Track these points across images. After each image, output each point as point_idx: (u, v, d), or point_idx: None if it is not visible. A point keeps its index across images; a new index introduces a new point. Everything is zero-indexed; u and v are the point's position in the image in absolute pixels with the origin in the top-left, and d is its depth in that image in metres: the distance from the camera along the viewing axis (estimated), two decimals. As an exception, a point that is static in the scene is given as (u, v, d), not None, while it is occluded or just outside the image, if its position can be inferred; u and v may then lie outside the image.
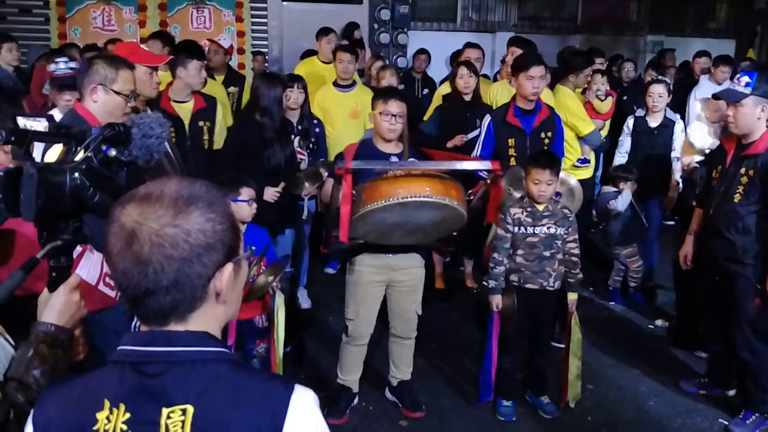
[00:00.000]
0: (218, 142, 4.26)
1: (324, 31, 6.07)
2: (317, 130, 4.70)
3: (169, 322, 1.02)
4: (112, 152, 1.32)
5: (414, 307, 3.47)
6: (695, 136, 4.38)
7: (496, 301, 3.45)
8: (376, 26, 8.56)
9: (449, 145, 4.63)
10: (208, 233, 1.00)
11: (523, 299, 3.42)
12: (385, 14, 8.52)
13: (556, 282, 3.44)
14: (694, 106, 5.72)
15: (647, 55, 9.58)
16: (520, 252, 3.44)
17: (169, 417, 0.98)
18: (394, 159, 3.25)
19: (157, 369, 1.00)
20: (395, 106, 3.22)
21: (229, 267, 1.04)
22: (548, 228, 3.43)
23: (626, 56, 7.89)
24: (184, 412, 0.98)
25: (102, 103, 2.60)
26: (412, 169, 2.99)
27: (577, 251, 3.46)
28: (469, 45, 5.80)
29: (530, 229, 3.44)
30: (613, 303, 5.00)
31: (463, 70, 4.85)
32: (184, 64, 3.99)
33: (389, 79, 5.59)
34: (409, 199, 2.79)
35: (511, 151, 4.06)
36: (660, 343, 4.45)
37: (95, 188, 1.29)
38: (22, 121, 1.31)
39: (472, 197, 3.26)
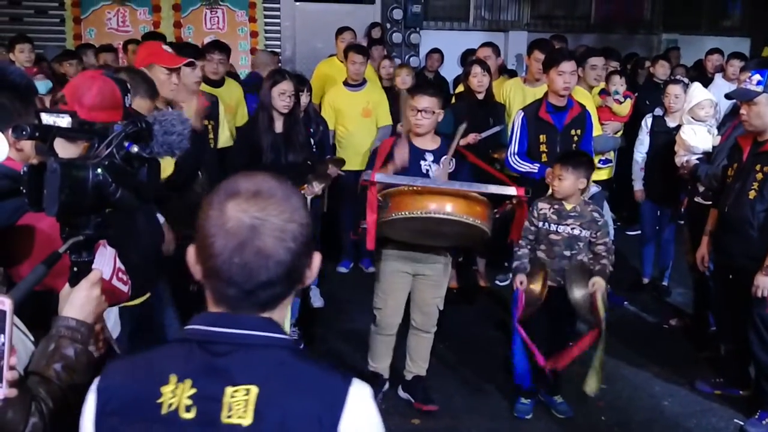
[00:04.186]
0: (222, 141, 4.30)
1: (339, 31, 6.10)
2: (321, 128, 4.72)
3: (266, 310, 1.08)
4: (134, 149, 1.33)
5: (436, 301, 3.48)
6: (690, 137, 4.34)
7: (520, 278, 3.42)
8: (388, 26, 8.55)
9: (462, 143, 4.60)
10: (309, 226, 1.08)
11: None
12: (398, 14, 8.52)
13: None
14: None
15: (661, 54, 9.51)
16: (542, 247, 3.43)
17: (232, 396, 1.01)
18: (429, 156, 3.31)
19: (224, 349, 1.04)
20: (422, 101, 3.23)
21: (318, 256, 1.13)
22: (572, 228, 3.39)
23: (640, 55, 7.85)
24: (247, 392, 1.01)
25: None
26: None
27: (603, 252, 3.37)
28: (483, 44, 5.77)
29: (553, 227, 3.41)
30: (627, 302, 4.98)
31: (476, 69, 4.82)
32: None
33: (404, 78, 5.59)
34: (432, 216, 2.93)
35: (542, 147, 4.05)
36: (674, 342, 4.42)
37: (117, 184, 1.30)
38: (45, 117, 1.32)
39: (498, 214, 3.28)
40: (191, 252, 1.09)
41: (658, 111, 4.96)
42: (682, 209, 4.70)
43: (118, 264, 2.03)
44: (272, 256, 1.03)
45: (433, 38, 8.54)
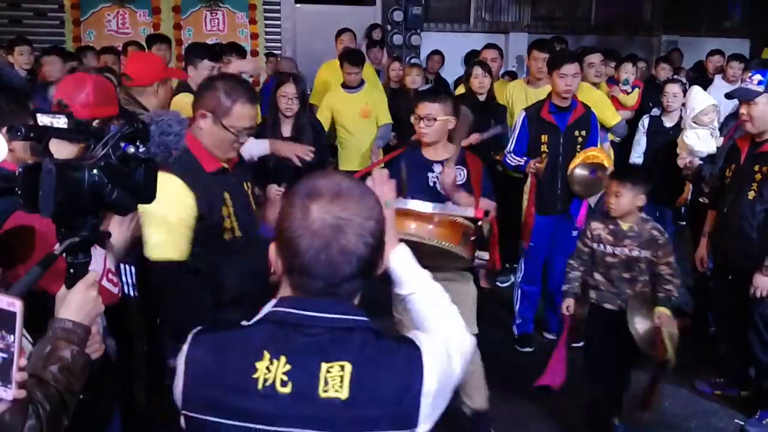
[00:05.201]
0: None
1: (339, 33, 6.10)
2: (318, 129, 4.71)
3: (346, 299, 1.17)
4: (131, 149, 1.33)
5: None
6: (694, 141, 4.33)
7: (567, 303, 3.27)
8: (389, 27, 8.56)
9: (464, 144, 4.57)
10: (383, 221, 1.18)
11: (603, 319, 3.18)
12: (398, 15, 8.52)
13: None
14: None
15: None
16: (600, 270, 3.19)
17: (328, 371, 1.10)
18: (437, 167, 3.06)
19: (316, 331, 1.12)
20: (423, 108, 3.03)
21: (387, 247, 1.24)
22: (630, 250, 3.12)
23: (640, 56, 7.83)
24: (342, 368, 1.10)
25: (208, 133, 2.25)
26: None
27: (668, 275, 3.09)
28: (488, 46, 5.78)
29: (609, 248, 3.15)
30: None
31: (477, 70, 4.81)
32: (194, 63, 3.95)
33: (414, 78, 5.59)
34: (405, 238, 2.53)
35: (544, 147, 4.05)
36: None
37: (113, 185, 1.30)
38: (41, 118, 1.32)
39: (473, 237, 2.93)
40: (272, 248, 1.17)
41: (655, 111, 4.97)
42: (682, 209, 4.70)
43: (108, 265, 2.03)
44: (354, 253, 1.12)
45: (434, 40, 8.55)
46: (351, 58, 5.21)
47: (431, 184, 3.10)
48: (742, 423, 3.45)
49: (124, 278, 2.54)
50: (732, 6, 10.58)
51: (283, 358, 1.10)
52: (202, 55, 3.96)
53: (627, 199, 3.09)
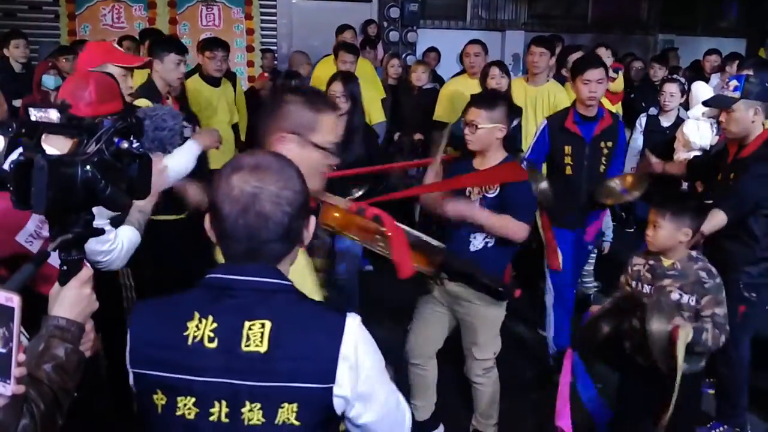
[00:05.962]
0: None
1: (339, 29, 6.07)
2: (369, 131, 4.66)
3: (271, 263, 1.27)
4: (124, 144, 1.32)
5: (472, 348, 3.02)
6: (692, 132, 4.33)
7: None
8: (385, 24, 8.54)
9: None
10: (303, 192, 1.28)
11: (638, 381, 2.70)
12: (395, 12, 8.49)
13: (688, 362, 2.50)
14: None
15: (658, 55, 9.52)
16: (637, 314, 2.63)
17: (249, 329, 1.21)
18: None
19: (241, 293, 1.23)
20: (468, 113, 2.86)
21: (313, 219, 1.33)
22: (669, 291, 2.63)
23: (637, 55, 7.84)
24: (263, 325, 1.21)
25: (295, 158, 1.65)
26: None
27: (710, 326, 2.57)
28: (471, 42, 5.46)
29: (647, 288, 2.69)
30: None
31: (494, 70, 4.54)
32: (160, 57, 3.69)
33: (419, 76, 5.54)
34: (369, 246, 2.47)
35: (567, 159, 3.74)
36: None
37: (107, 181, 1.28)
38: (34, 113, 1.30)
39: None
40: (207, 219, 1.29)
41: (652, 110, 4.96)
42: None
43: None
44: (271, 218, 1.22)
45: (430, 37, 8.53)
46: (347, 46, 5.20)
47: (469, 196, 2.94)
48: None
49: None
50: (728, 5, 10.59)
51: (210, 317, 1.22)
52: (169, 49, 3.75)
53: (666, 232, 2.64)
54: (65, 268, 1.34)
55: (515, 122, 4.37)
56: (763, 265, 3.18)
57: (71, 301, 1.34)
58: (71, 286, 1.34)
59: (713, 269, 2.66)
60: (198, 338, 1.21)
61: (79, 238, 1.34)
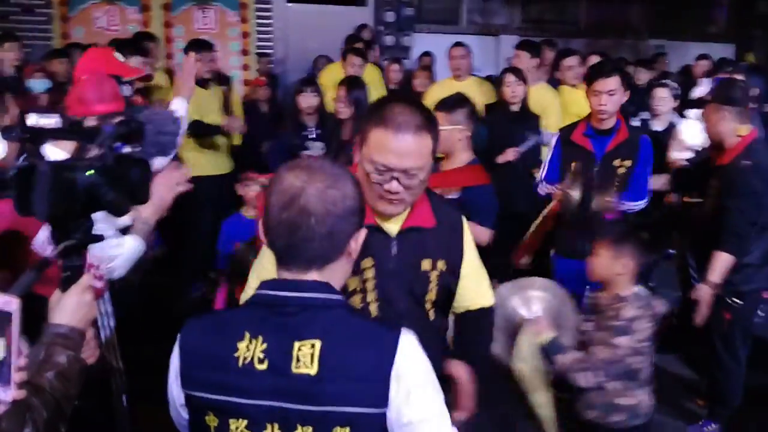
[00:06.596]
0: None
1: (349, 38, 6.13)
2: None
3: (311, 269, 1.23)
4: (126, 149, 1.31)
5: None
6: (686, 132, 4.34)
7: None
8: (380, 28, 8.54)
9: (501, 160, 4.12)
10: (356, 199, 1.25)
11: None
12: (390, 16, 8.51)
13: None
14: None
15: (650, 60, 9.57)
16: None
17: (299, 349, 1.18)
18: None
19: (291, 310, 1.21)
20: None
21: (363, 231, 1.28)
22: (600, 329, 2.44)
23: (629, 60, 7.87)
24: (312, 346, 1.18)
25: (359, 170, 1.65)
26: None
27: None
28: (455, 44, 5.45)
29: (588, 325, 2.51)
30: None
31: (510, 77, 4.32)
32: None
33: (422, 82, 5.55)
34: None
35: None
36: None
37: (108, 186, 1.27)
38: (34, 118, 1.29)
39: None
40: (260, 223, 1.28)
41: (644, 115, 4.98)
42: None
43: (89, 260, 2.00)
44: (313, 215, 1.19)
45: (425, 41, 8.53)
46: (356, 49, 5.22)
47: None
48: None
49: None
50: (717, 11, 10.67)
51: (260, 337, 1.20)
52: (133, 52, 3.82)
53: (604, 261, 2.41)
54: (67, 274, 1.33)
55: (532, 141, 4.23)
56: (746, 271, 3.19)
57: (72, 308, 1.33)
58: (72, 293, 1.34)
59: (643, 314, 2.35)
60: (248, 359, 1.20)
61: (81, 245, 1.33)
